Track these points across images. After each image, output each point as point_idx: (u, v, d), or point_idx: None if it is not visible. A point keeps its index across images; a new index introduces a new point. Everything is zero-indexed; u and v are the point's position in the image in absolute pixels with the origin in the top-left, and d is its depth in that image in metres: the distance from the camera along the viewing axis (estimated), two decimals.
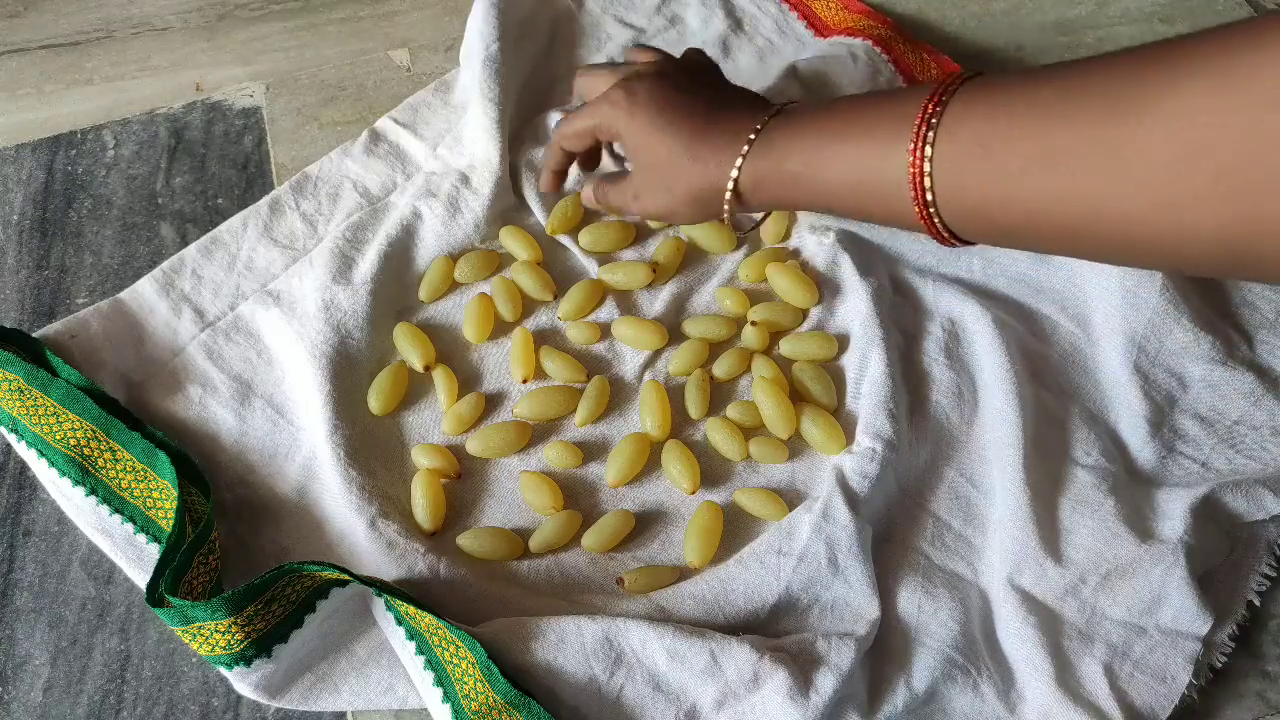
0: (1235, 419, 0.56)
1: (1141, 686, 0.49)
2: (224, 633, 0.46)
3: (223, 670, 0.48)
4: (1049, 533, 0.52)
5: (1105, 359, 0.57)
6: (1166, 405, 0.56)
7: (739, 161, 0.49)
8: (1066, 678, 0.49)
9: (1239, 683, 0.50)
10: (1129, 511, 0.52)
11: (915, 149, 0.41)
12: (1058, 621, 0.50)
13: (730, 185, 0.50)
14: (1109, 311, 0.58)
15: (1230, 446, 0.55)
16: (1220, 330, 0.58)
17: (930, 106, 0.41)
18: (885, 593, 0.51)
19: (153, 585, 0.47)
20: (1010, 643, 0.50)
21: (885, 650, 0.49)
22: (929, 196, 0.41)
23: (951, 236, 0.43)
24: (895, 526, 0.53)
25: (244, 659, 0.47)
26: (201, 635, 0.46)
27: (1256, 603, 0.52)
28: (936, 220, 0.42)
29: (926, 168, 0.41)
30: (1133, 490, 0.54)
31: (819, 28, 0.75)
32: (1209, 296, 0.59)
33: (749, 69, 0.72)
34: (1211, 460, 0.55)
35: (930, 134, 0.41)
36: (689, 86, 0.54)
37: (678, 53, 0.58)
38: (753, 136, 0.49)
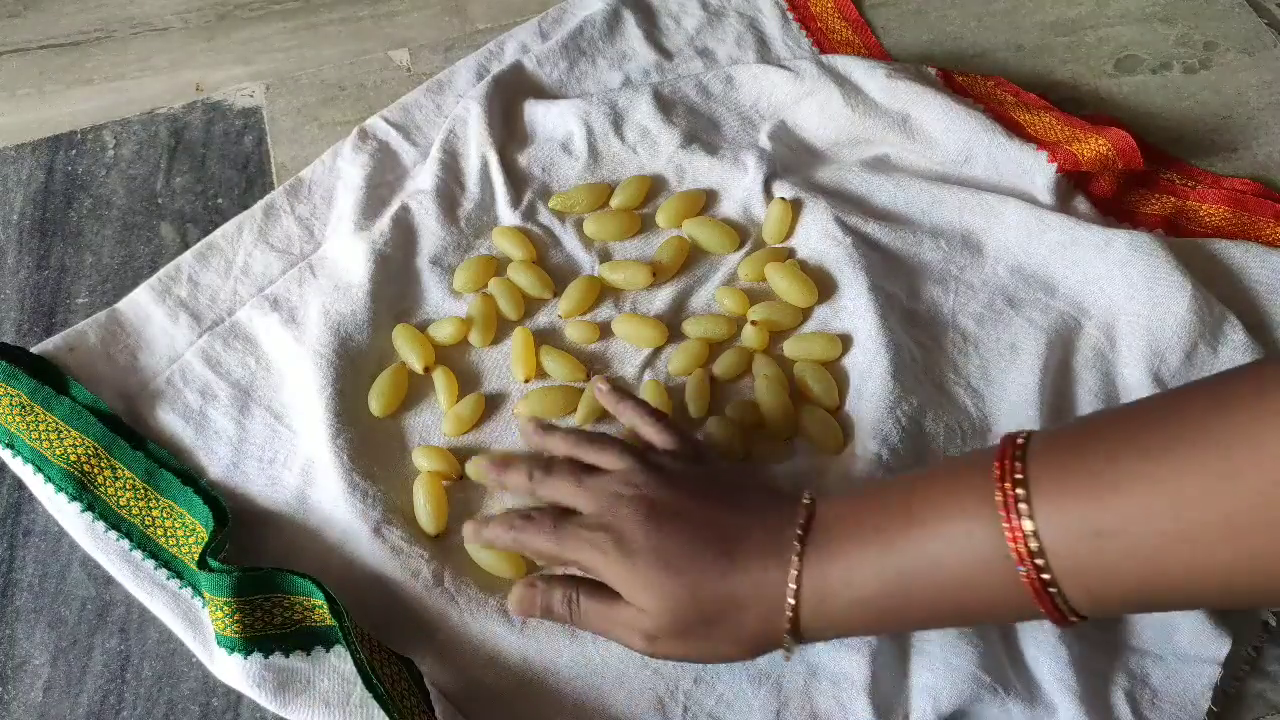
0: None
1: (1164, 714, 0.48)
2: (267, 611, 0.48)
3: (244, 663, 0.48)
4: None
5: (1126, 366, 0.57)
6: None
7: (790, 603, 0.41)
8: (1094, 699, 0.48)
9: (1239, 683, 0.50)
10: None
11: (1010, 523, 0.37)
12: (1080, 643, 0.49)
13: (786, 626, 0.41)
14: (1134, 318, 0.57)
15: None
16: (1243, 349, 0.57)
17: (1005, 474, 0.38)
18: None
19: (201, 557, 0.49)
20: (1038, 660, 0.49)
21: (911, 672, 0.48)
22: (1045, 575, 0.37)
23: (1074, 615, 0.38)
24: None
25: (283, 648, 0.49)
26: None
27: (1272, 622, 0.51)
28: (1059, 600, 0.38)
29: (1033, 545, 0.37)
30: None
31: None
32: (1235, 313, 0.58)
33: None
34: None
35: (1023, 504, 0.37)
36: (689, 511, 0.44)
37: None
38: (795, 572, 0.41)
